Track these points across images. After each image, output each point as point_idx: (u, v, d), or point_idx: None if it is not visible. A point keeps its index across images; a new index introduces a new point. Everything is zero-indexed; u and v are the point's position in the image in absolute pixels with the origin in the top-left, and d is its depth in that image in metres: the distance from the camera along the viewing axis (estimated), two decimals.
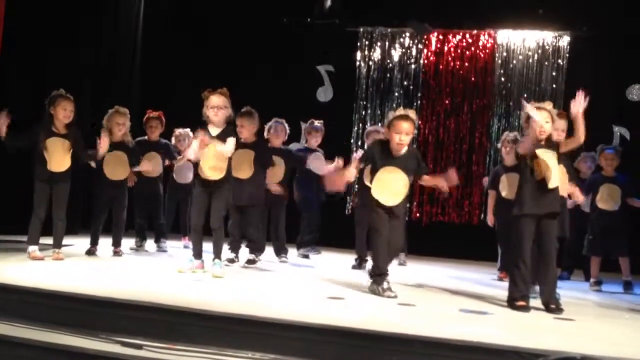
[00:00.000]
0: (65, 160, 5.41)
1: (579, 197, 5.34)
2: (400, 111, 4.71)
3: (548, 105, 4.48)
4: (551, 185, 4.32)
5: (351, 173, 4.86)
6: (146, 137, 6.71)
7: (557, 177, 4.36)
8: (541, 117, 4.35)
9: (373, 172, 4.75)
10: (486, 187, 6.57)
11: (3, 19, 6.40)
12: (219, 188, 5.11)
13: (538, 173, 4.35)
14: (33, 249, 5.28)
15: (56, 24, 7.22)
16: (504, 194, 5.95)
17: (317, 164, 6.44)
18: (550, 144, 4.45)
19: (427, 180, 4.91)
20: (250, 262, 5.86)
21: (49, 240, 5.49)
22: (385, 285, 4.58)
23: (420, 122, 9.04)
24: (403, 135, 4.62)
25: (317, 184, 6.47)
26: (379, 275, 4.63)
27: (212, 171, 5.08)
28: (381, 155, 4.72)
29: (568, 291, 5.46)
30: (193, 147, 5.14)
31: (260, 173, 5.95)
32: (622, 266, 6.27)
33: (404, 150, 4.72)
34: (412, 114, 4.71)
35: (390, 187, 4.67)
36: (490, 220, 6.29)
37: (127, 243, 6.70)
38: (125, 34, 8.66)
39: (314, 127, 6.97)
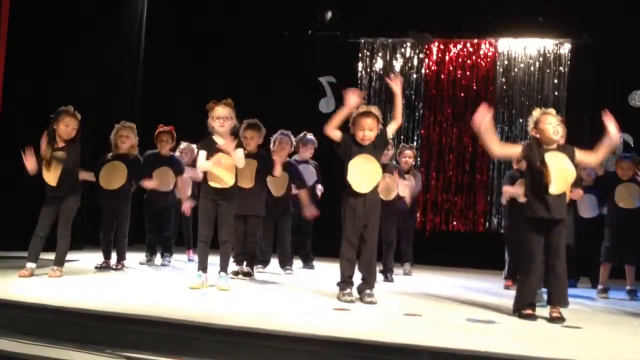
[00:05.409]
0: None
1: (579, 193, 5.21)
2: (363, 108, 4.78)
3: (552, 111, 4.52)
4: (551, 191, 4.30)
5: None
6: (157, 151, 6.69)
7: (561, 184, 4.34)
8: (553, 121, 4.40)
9: (345, 161, 4.76)
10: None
11: (5, 42, 6.44)
12: (226, 199, 5.08)
13: (546, 178, 4.33)
14: (29, 266, 5.20)
15: (59, 41, 7.27)
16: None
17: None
18: (563, 146, 4.47)
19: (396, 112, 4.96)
20: (246, 274, 5.86)
21: (53, 257, 5.45)
22: (347, 290, 4.72)
23: (422, 130, 9.07)
24: (367, 131, 4.72)
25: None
26: (342, 282, 4.79)
27: (222, 180, 5.05)
28: (353, 145, 4.78)
29: (575, 298, 5.42)
30: (200, 164, 5.11)
31: (261, 184, 5.94)
32: (627, 275, 6.21)
33: (370, 141, 4.80)
34: (374, 110, 4.78)
35: (364, 172, 4.73)
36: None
37: (139, 257, 6.71)
38: (128, 50, 8.70)
39: (306, 139, 6.98)
